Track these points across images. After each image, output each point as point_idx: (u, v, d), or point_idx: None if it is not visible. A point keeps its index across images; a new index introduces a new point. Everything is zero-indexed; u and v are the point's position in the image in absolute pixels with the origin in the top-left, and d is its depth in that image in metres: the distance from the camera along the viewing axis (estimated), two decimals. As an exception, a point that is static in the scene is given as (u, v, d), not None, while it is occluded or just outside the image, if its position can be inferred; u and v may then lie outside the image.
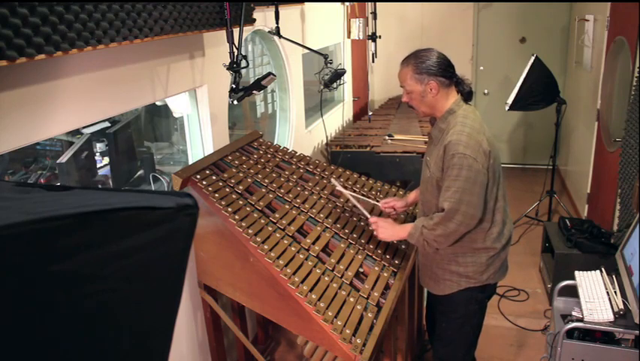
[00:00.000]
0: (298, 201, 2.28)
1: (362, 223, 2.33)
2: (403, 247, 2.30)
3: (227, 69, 2.14)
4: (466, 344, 2.19)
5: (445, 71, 1.93)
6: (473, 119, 1.93)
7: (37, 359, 0.63)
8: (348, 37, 4.26)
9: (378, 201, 2.35)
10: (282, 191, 2.31)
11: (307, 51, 3.43)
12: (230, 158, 2.37)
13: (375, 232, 2.10)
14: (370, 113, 5.02)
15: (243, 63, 2.21)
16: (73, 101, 1.69)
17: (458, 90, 1.99)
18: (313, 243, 2.08)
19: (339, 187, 2.27)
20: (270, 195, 2.25)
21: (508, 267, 2.15)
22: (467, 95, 2.01)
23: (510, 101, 4.23)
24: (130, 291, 0.71)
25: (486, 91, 5.91)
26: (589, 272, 2.48)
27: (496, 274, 2.06)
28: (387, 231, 2.07)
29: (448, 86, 1.95)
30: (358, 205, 2.21)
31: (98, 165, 2.88)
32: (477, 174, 1.83)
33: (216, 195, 2.09)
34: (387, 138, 4.14)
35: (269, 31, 3.03)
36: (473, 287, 2.04)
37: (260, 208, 2.15)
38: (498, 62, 5.78)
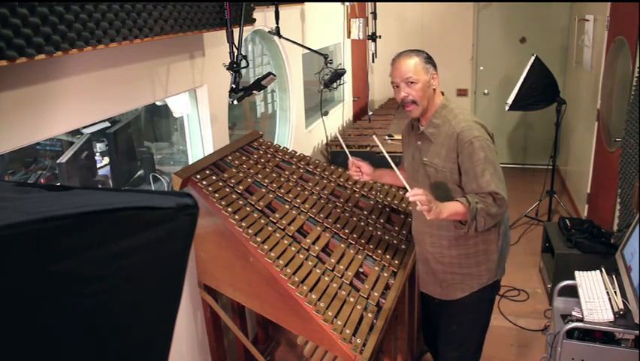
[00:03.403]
0: (298, 201, 2.28)
1: (362, 223, 2.33)
2: (403, 247, 2.30)
3: (227, 69, 2.14)
4: (477, 344, 2.20)
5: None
6: (467, 110, 1.99)
7: (37, 358, 0.63)
8: (348, 37, 4.26)
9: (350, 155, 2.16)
10: (282, 191, 2.31)
11: (307, 51, 3.43)
12: (230, 158, 2.37)
13: (421, 207, 1.73)
14: (370, 113, 5.02)
15: (243, 63, 2.21)
16: (73, 101, 1.69)
17: None
18: (313, 243, 2.08)
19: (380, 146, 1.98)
20: (270, 195, 2.25)
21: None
22: None
23: (510, 101, 4.23)
24: (130, 291, 0.71)
25: (486, 91, 5.91)
26: (589, 272, 2.48)
27: (502, 268, 2.10)
28: (437, 208, 1.75)
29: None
30: (398, 172, 1.87)
31: (98, 165, 2.88)
32: (496, 156, 1.88)
33: (216, 195, 2.09)
34: (387, 138, 4.14)
35: (269, 31, 3.03)
36: (485, 287, 2.05)
37: (260, 208, 2.15)
38: (498, 62, 5.78)
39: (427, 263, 2.11)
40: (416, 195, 1.72)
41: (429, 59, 1.94)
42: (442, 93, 2.00)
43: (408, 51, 1.96)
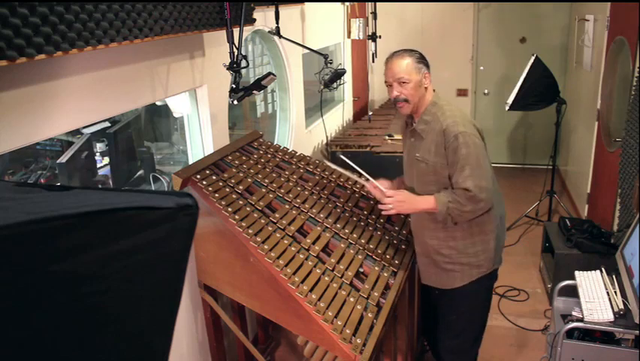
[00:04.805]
0: (298, 201, 2.28)
1: (362, 223, 2.33)
2: (403, 247, 2.30)
3: (227, 69, 2.14)
4: (475, 334, 2.25)
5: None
6: (456, 107, 2.05)
7: (37, 358, 0.63)
8: (348, 37, 4.26)
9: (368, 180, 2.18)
10: (282, 191, 2.31)
11: (307, 51, 3.43)
12: (230, 158, 2.37)
13: (389, 209, 2.00)
14: (370, 113, 5.02)
15: (243, 63, 2.21)
16: (73, 101, 1.69)
17: None
18: (313, 243, 2.08)
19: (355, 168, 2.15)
20: (270, 195, 2.25)
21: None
22: None
23: (510, 101, 4.23)
24: (130, 291, 0.71)
25: (486, 91, 5.91)
26: (589, 272, 2.48)
27: (499, 258, 2.15)
28: (405, 205, 2.01)
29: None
30: (370, 180, 2.14)
31: (98, 165, 2.88)
32: (482, 150, 1.94)
33: (216, 195, 2.09)
34: (387, 137, 4.14)
35: (269, 31, 3.03)
36: (483, 276, 2.09)
37: (260, 208, 2.15)
38: (498, 62, 5.77)
39: (427, 256, 2.16)
40: (387, 210, 2.00)
41: (421, 59, 2.01)
42: (434, 90, 2.08)
43: (401, 51, 2.03)
